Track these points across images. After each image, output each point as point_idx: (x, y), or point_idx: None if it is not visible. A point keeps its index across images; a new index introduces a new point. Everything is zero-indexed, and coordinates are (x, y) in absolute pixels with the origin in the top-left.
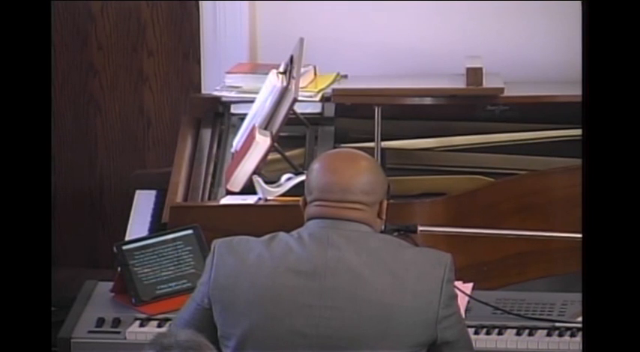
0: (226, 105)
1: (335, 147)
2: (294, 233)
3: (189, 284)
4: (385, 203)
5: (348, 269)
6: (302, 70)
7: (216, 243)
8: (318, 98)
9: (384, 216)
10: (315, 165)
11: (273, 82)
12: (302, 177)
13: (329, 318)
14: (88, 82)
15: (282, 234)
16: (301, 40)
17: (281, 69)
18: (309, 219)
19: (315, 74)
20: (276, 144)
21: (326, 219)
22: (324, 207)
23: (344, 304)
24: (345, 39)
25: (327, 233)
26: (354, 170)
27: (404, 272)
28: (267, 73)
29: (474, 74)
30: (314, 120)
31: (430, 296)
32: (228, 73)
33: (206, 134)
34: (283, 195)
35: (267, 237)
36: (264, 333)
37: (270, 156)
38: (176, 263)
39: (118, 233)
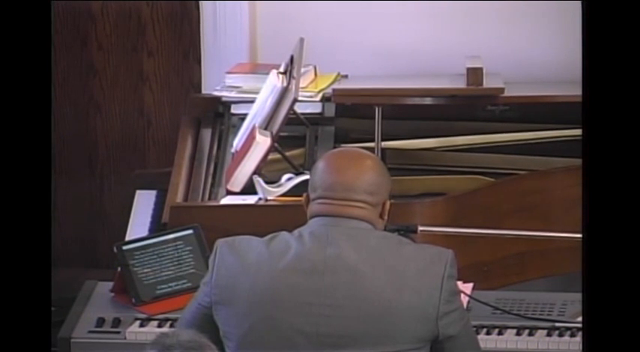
0: (226, 105)
1: (335, 147)
2: (296, 232)
3: (189, 284)
4: (388, 204)
5: (347, 267)
6: (302, 70)
7: (219, 243)
8: (318, 98)
9: (385, 217)
10: (320, 163)
11: (273, 82)
12: (302, 177)
13: (329, 316)
14: (88, 82)
15: (283, 233)
16: (301, 40)
17: (281, 69)
18: (312, 216)
19: (316, 74)
20: (276, 144)
21: (328, 216)
22: (328, 204)
23: (343, 302)
24: (345, 39)
25: (327, 231)
26: (359, 169)
27: (403, 268)
28: (267, 73)
29: (474, 74)
30: (314, 120)
31: (430, 292)
32: (229, 73)
33: (206, 134)
34: (284, 195)
35: (268, 236)
36: (264, 332)
37: (271, 156)
38: (176, 263)
39: (118, 233)
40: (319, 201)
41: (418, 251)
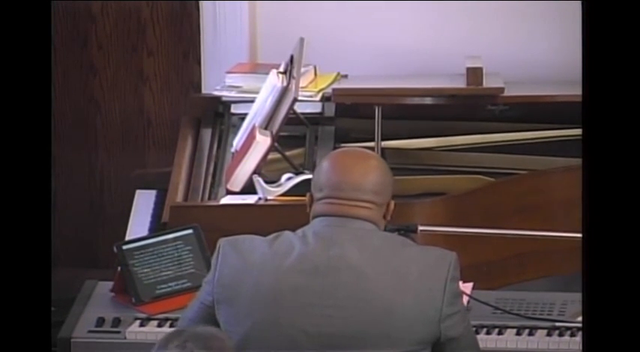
0: (226, 105)
1: (335, 147)
2: (299, 231)
3: (189, 284)
4: (392, 204)
5: (350, 268)
6: (302, 69)
7: (221, 242)
8: (318, 98)
9: (389, 217)
10: (325, 163)
11: (273, 81)
12: (302, 177)
13: (331, 317)
14: (88, 82)
15: (286, 233)
16: (301, 40)
17: (281, 69)
18: (316, 216)
19: (316, 74)
20: (276, 144)
21: (333, 216)
22: (334, 204)
23: (346, 302)
24: (345, 39)
25: (331, 231)
26: (365, 169)
27: (406, 270)
28: (267, 73)
29: (474, 74)
30: (314, 119)
31: (433, 294)
32: (229, 72)
33: (206, 134)
34: (283, 194)
35: (272, 235)
36: (266, 332)
37: (271, 156)
38: (176, 263)
39: (118, 233)
40: (325, 200)
41: (421, 253)
